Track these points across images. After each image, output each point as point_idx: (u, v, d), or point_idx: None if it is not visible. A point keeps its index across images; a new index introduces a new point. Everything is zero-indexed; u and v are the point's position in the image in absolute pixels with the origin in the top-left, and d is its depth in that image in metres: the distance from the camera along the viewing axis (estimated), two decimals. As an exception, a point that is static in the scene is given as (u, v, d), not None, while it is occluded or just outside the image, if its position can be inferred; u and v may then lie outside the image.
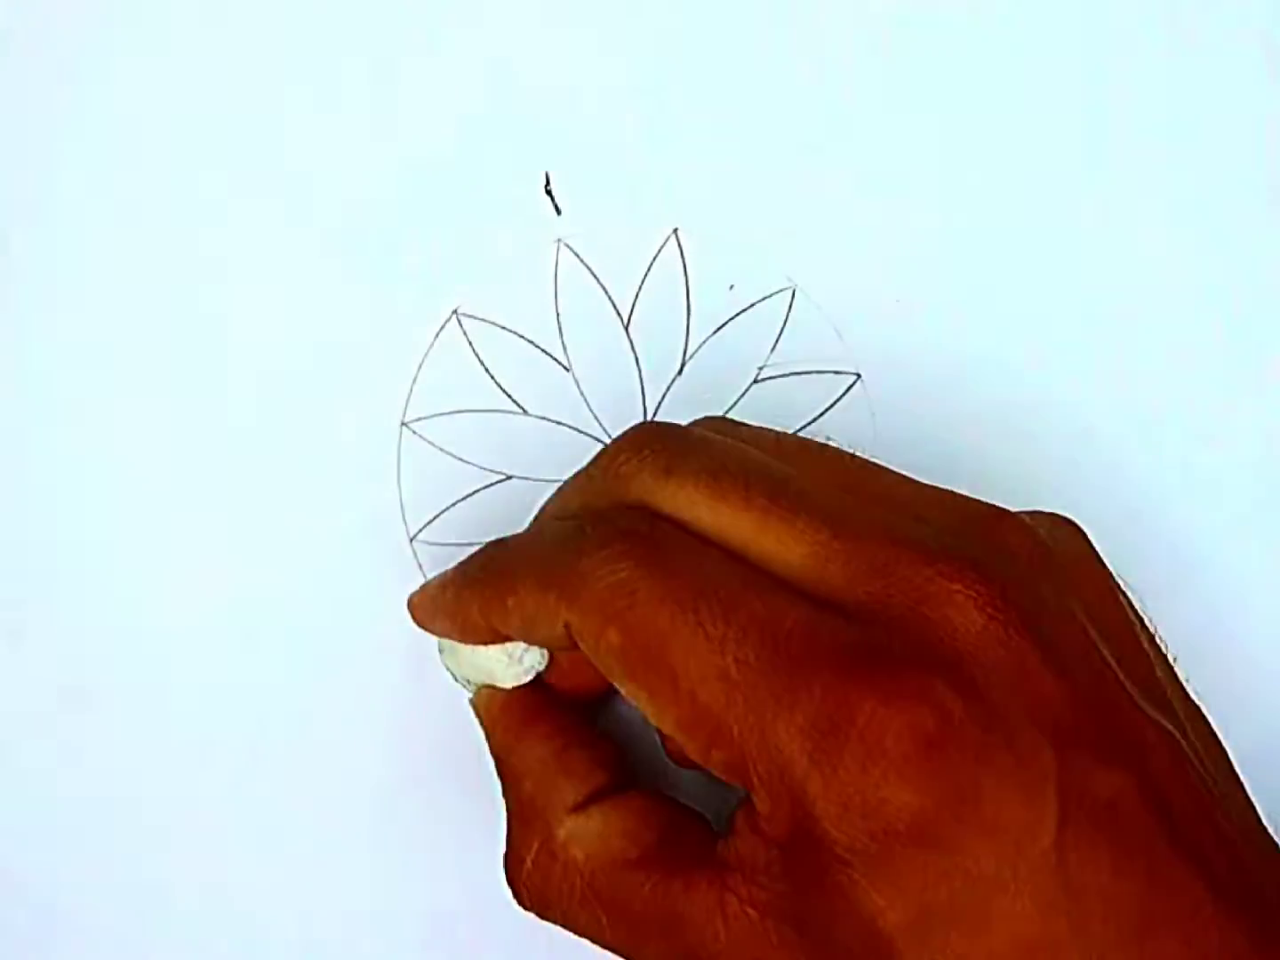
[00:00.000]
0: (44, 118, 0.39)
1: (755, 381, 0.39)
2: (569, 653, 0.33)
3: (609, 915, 0.31)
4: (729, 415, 0.39)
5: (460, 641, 0.34)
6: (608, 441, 0.38)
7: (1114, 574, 0.31)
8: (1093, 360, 0.39)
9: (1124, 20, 0.40)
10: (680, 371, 0.39)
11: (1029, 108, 0.40)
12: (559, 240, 0.39)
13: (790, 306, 0.39)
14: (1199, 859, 0.27)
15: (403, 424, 0.39)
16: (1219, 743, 0.31)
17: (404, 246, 0.39)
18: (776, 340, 0.39)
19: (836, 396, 0.39)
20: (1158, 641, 0.31)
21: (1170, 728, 0.29)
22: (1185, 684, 0.31)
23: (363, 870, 0.38)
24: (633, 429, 0.32)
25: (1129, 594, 0.31)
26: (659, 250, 0.39)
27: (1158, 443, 0.39)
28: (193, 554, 0.38)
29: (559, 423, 0.39)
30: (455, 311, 0.39)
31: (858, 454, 0.32)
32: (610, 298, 0.39)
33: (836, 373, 0.39)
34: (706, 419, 0.34)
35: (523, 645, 0.34)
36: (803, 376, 0.39)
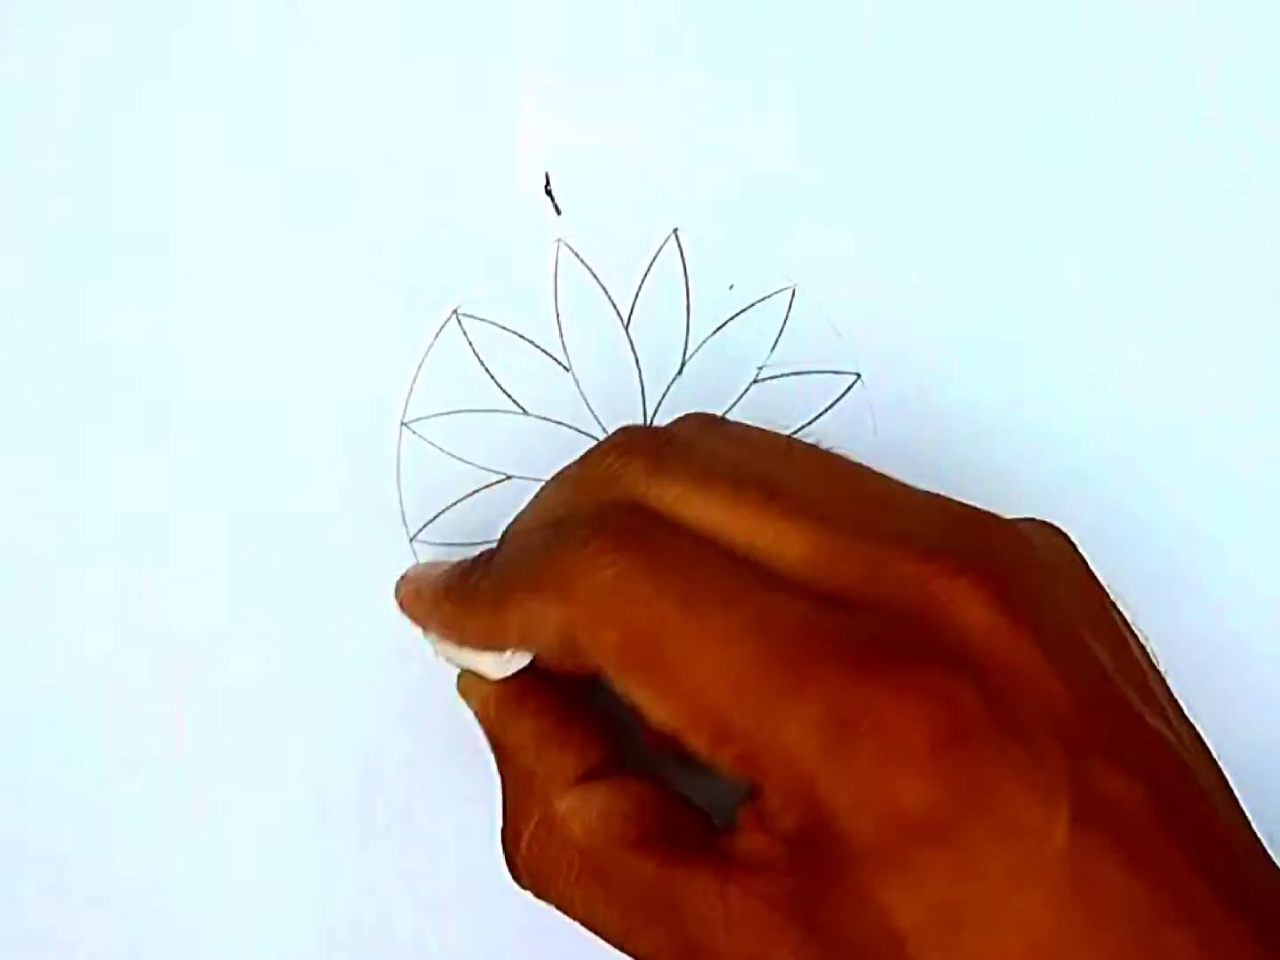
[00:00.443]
0: (45, 119, 0.39)
1: (755, 381, 0.39)
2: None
3: (607, 896, 0.30)
4: (729, 415, 0.39)
5: (450, 640, 0.34)
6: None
7: (1105, 584, 0.31)
8: (1094, 361, 0.39)
9: (1125, 22, 0.40)
10: (680, 371, 0.39)
11: (1029, 106, 0.40)
12: (559, 240, 0.39)
13: (790, 306, 0.39)
14: (1203, 862, 0.27)
15: (403, 424, 0.39)
16: (1209, 751, 0.31)
17: (404, 246, 0.39)
18: (776, 340, 0.39)
19: (836, 396, 0.39)
20: (1149, 652, 0.31)
21: (1168, 734, 0.29)
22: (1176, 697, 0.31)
23: (363, 870, 0.38)
24: (618, 432, 0.32)
25: (1119, 604, 0.31)
26: (659, 250, 0.39)
27: (1159, 444, 0.39)
28: (193, 554, 0.38)
29: (559, 423, 0.39)
30: (455, 311, 0.39)
31: (848, 456, 0.32)
32: (610, 298, 0.39)
33: (836, 373, 0.39)
34: (694, 415, 0.34)
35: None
36: (802, 376, 0.39)
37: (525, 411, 0.39)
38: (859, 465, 0.32)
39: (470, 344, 0.39)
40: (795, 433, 0.39)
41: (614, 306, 0.39)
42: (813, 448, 0.32)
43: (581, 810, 0.31)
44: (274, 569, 0.38)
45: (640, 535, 0.29)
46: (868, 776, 0.26)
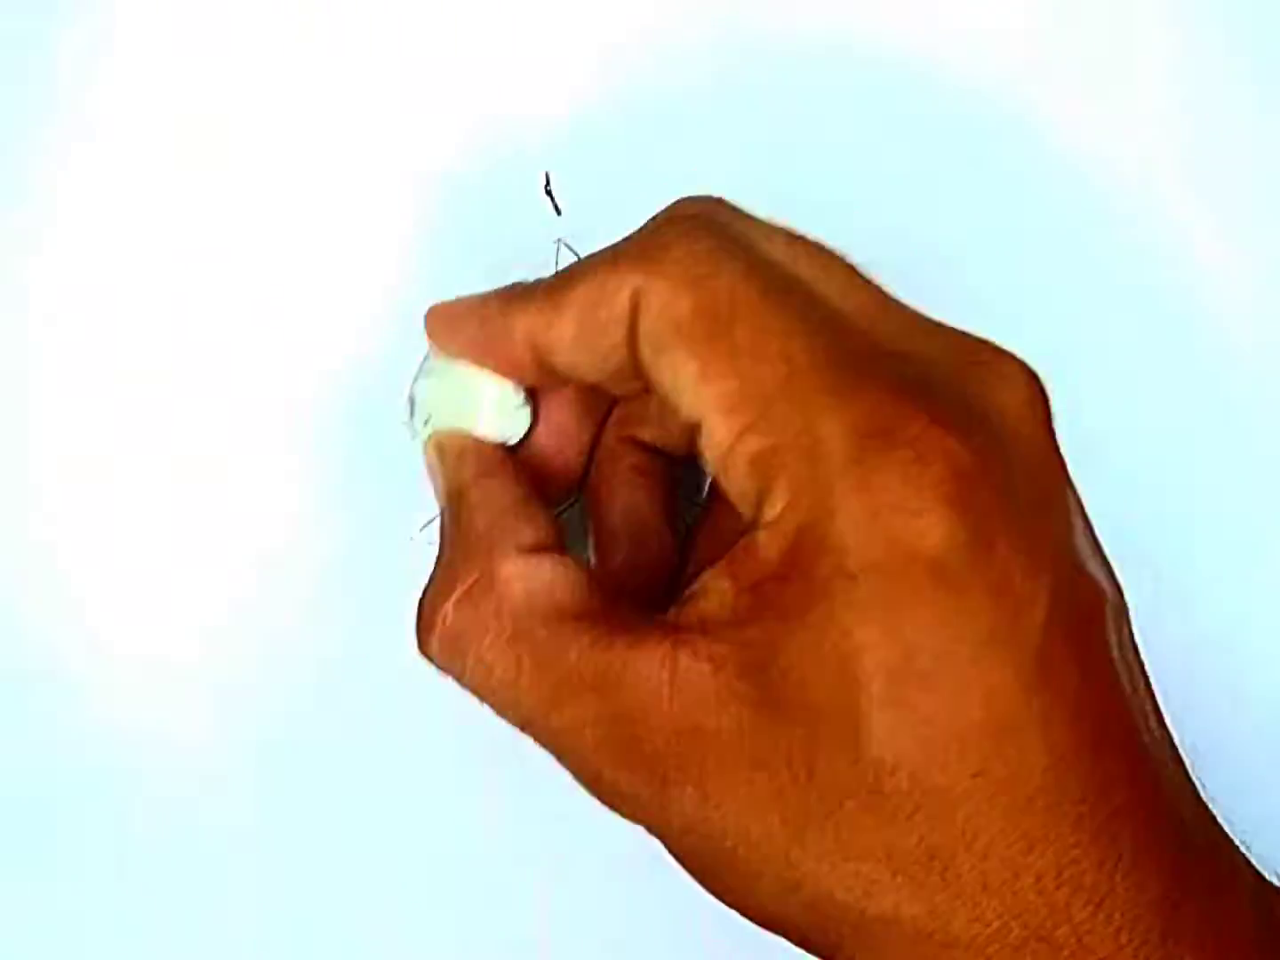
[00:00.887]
0: (46, 120, 0.39)
1: (755, 381, 0.39)
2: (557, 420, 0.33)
3: (533, 663, 0.29)
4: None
5: (473, 356, 0.33)
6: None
7: None
8: (1094, 361, 0.39)
9: (1127, 25, 0.40)
10: (680, 371, 0.39)
11: (1029, 105, 0.40)
12: (559, 240, 0.39)
13: (790, 306, 0.39)
14: (1139, 709, 0.28)
15: (403, 424, 0.38)
16: None
17: (403, 246, 0.39)
18: (776, 340, 0.39)
19: (836, 396, 0.39)
20: None
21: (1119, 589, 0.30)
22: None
23: (364, 870, 0.38)
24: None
25: None
26: (659, 250, 0.39)
27: (1160, 444, 0.39)
28: (193, 554, 0.38)
29: (559, 423, 0.39)
30: (455, 311, 0.39)
31: None
32: (610, 298, 0.39)
33: (836, 373, 0.39)
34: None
35: (522, 395, 0.33)
36: (802, 376, 0.39)
37: (525, 411, 0.39)
38: None
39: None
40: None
41: (614, 306, 0.39)
42: None
43: (527, 575, 0.30)
44: (274, 569, 0.38)
45: (732, 228, 0.30)
46: (891, 488, 0.26)
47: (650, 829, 0.29)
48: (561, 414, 0.34)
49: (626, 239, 0.30)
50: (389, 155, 0.39)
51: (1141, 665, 0.30)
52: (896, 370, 0.28)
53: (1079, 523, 0.29)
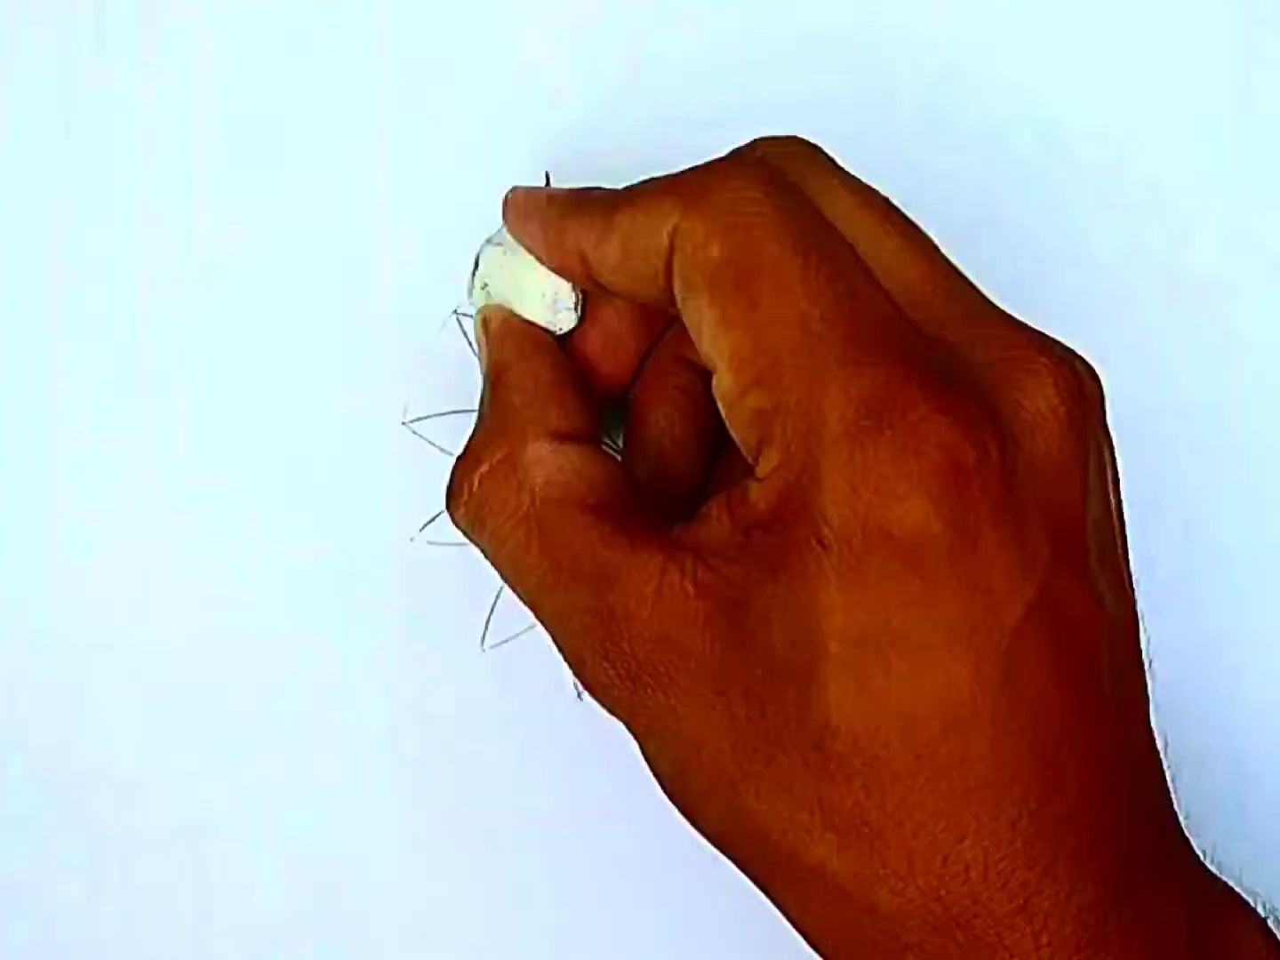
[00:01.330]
0: (50, 123, 0.39)
1: (755, 381, 0.39)
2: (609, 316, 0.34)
3: (540, 545, 0.30)
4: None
5: (533, 250, 0.34)
6: (607, 440, 0.38)
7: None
8: (1092, 360, 0.39)
9: (1126, 27, 0.40)
10: (680, 371, 0.39)
11: (1029, 103, 0.40)
12: (559, 240, 0.39)
13: (790, 306, 0.39)
14: (1117, 726, 0.28)
15: (403, 424, 0.39)
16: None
17: (403, 246, 0.39)
18: (776, 340, 0.39)
19: (836, 396, 0.39)
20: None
21: (1130, 601, 0.30)
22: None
23: (364, 871, 0.38)
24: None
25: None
26: (659, 250, 0.39)
27: (1160, 444, 0.39)
28: (193, 554, 0.38)
29: (559, 423, 0.38)
30: (455, 311, 0.39)
31: None
32: (610, 297, 0.39)
33: (836, 373, 0.39)
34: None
35: (575, 296, 0.34)
36: (803, 376, 0.39)
37: (525, 411, 0.39)
38: None
39: (470, 344, 0.39)
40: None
41: (614, 306, 0.39)
42: None
43: (550, 460, 0.31)
44: (274, 569, 0.38)
45: (784, 183, 0.30)
46: (878, 467, 0.27)
47: (624, 722, 0.30)
48: (614, 320, 0.35)
49: (688, 170, 0.31)
50: (389, 155, 0.39)
51: (1140, 688, 0.30)
52: (919, 352, 0.28)
53: (1098, 542, 0.29)
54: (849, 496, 0.27)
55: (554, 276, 0.34)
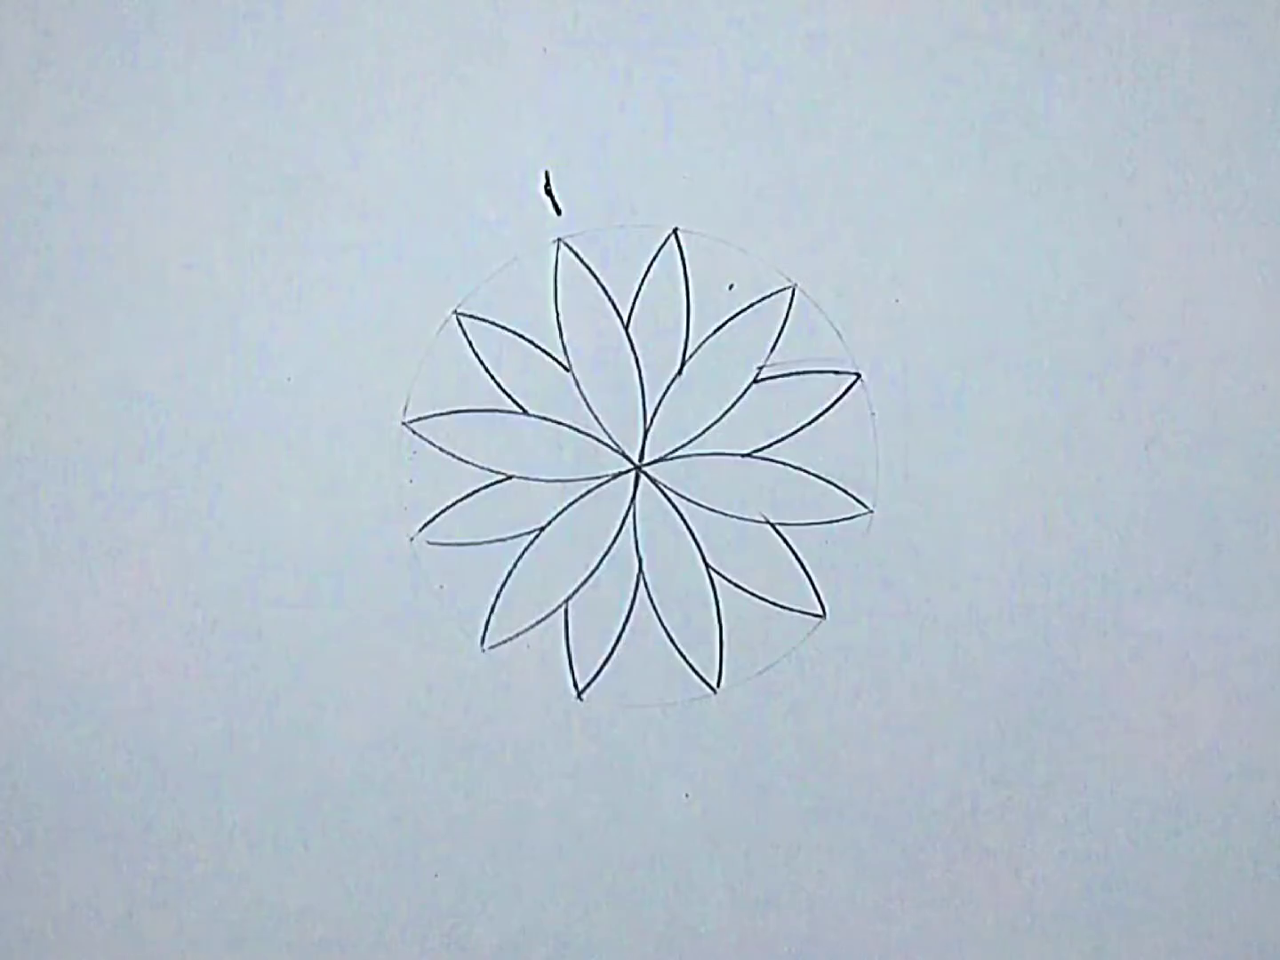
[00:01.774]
0: (53, 126, 0.39)
1: (755, 381, 0.39)
2: None
3: None
4: (729, 415, 0.39)
5: None
6: (608, 441, 0.38)
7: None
8: (1093, 360, 0.39)
9: (1127, 27, 0.40)
10: (680, 371, 0.39)
11: (1029, 106, 0.40)
12: (559, 240, 0.39)
13: (790, 306, 0.39)
14: None
15: (403, 424, 0.39)
16: None
17: (404, 246, 0.39)
18: (776, 340, 0.39)
19: (836, 396, 0.39)
20: None
21: None
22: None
23: (364, 870, 0.38)
24: None
25: None
26: (659, 250, 0.39)
27: (1159, 444, 0.39)
28: (193, 554, 0.38)
29: (559, 423, 0.39)
30: (455, 311, 0.39)
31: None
32: (610, 297, 0.39)
33: (836, 373, 0.39)
34: None
35: None
36: (803, 376, 0.39)
37: (525, 411, 0.39)
38: None
39: (470, 344, 0.39)
40: (795, 433, 0.39)
41: (614, 306, 0.39)
42: None
43: None
44: (274, 568, 0.38)
45: None
46: None
47: None
48: None
49: None
50: (389, 155, 0.39)
51: None
52: None
53: None
54: None
55: None
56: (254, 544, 0.38)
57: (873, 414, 0.39)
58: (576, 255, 0.39)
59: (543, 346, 0.39)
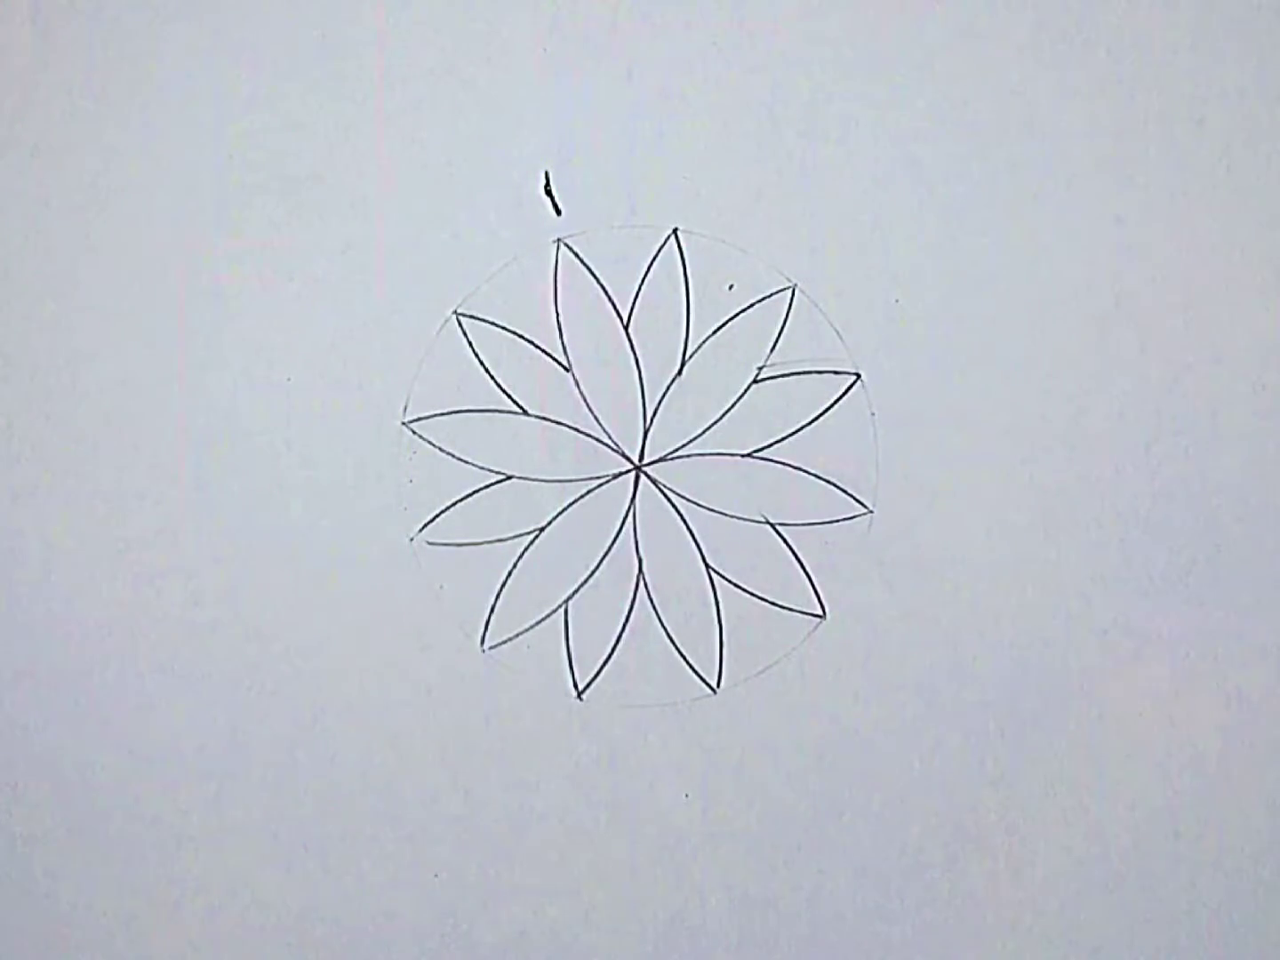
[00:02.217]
0: (52, 129, 0.39)
1: (755, 381, 0.39)
2: None
3: None
4: (728, 415, 0.39)
5: None
6: (608, 441, 0.38)
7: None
8: (1093, 361, 0.39)
9: (1127, 28, 0.40)
10: (680, 371, 0.39)
11: (1029, 106, 0.40)
12: (559, 240, 0.39)
13: (790, 306, 0.39)
14: None
15: (403, 424, 0.39)
16: None
17: (404, 247, 0.39)
18: (776, 340, 0.39)
19: (836, 396, 0.39)
20: None
21: None
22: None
23: (364, 870, 0.38)
24: None
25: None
26: (659, 250, 0.39)
27: (1159, 445, 0.39)
28: (194, 554, 0.38)
29: (559, 423, 0.39)
30: (455, 311, 0.39)
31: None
32: (610, 298, 0.39)
33: (836, 373, 0.39)
34: None
35: None
36: (803, 376, 0.39)
37: (525, 411, 0.39)
38: None
39: (470, 344, 0.39)
40: (795, 433, 0.39)
41: (614, 306, 0.39)
42: None
43: None
44: (275, 568, 0.38)
45: None
46: None
47: None
48: None
49: None
50: (389, 156, 0.39)
51: None
52: None
53: None
54: None
55: None
56: (254, 544, 0.38)
57: (873, 414, 0.39)
58: (576, 255, 0.39)
59: (543, 346, 0.39)
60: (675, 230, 0.39)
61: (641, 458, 0.39)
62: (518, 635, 0.38)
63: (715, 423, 0.39)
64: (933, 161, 0.39)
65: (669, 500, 0.39)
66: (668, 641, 0.38)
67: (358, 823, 0.38)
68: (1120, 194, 0.39)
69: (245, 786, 0.38)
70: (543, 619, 0.38)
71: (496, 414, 0.39)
